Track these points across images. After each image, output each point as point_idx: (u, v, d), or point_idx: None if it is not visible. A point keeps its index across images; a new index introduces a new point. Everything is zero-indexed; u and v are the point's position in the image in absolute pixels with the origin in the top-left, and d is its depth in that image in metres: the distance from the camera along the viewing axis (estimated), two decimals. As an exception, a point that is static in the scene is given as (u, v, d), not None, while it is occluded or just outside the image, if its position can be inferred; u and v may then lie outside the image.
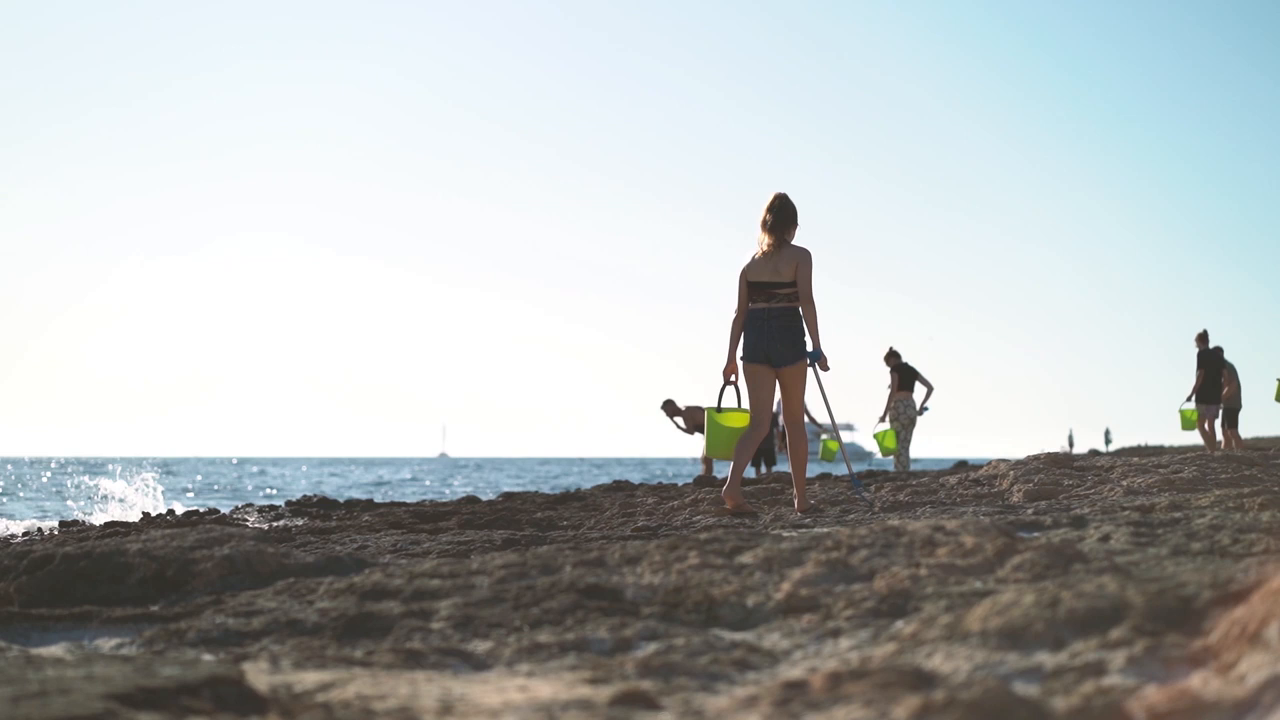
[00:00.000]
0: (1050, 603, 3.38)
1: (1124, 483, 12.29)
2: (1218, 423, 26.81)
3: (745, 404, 11.57)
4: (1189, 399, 26.57)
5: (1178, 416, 26.96)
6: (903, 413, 25.29)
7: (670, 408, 25.61)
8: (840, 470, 24.76)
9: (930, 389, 25.57)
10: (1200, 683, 2.59)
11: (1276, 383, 24.08)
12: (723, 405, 11.89)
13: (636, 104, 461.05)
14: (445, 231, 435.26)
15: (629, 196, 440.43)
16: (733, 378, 11.44)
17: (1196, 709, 2.35)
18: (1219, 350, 26.69)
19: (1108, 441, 63.40)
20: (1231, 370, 26.99)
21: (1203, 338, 26.55)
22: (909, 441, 25.30)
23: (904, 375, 25.38)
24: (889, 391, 25.36)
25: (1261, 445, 35.18)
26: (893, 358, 25.41)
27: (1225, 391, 26.69)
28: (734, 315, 11.24)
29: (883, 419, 25.31)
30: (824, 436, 22.33)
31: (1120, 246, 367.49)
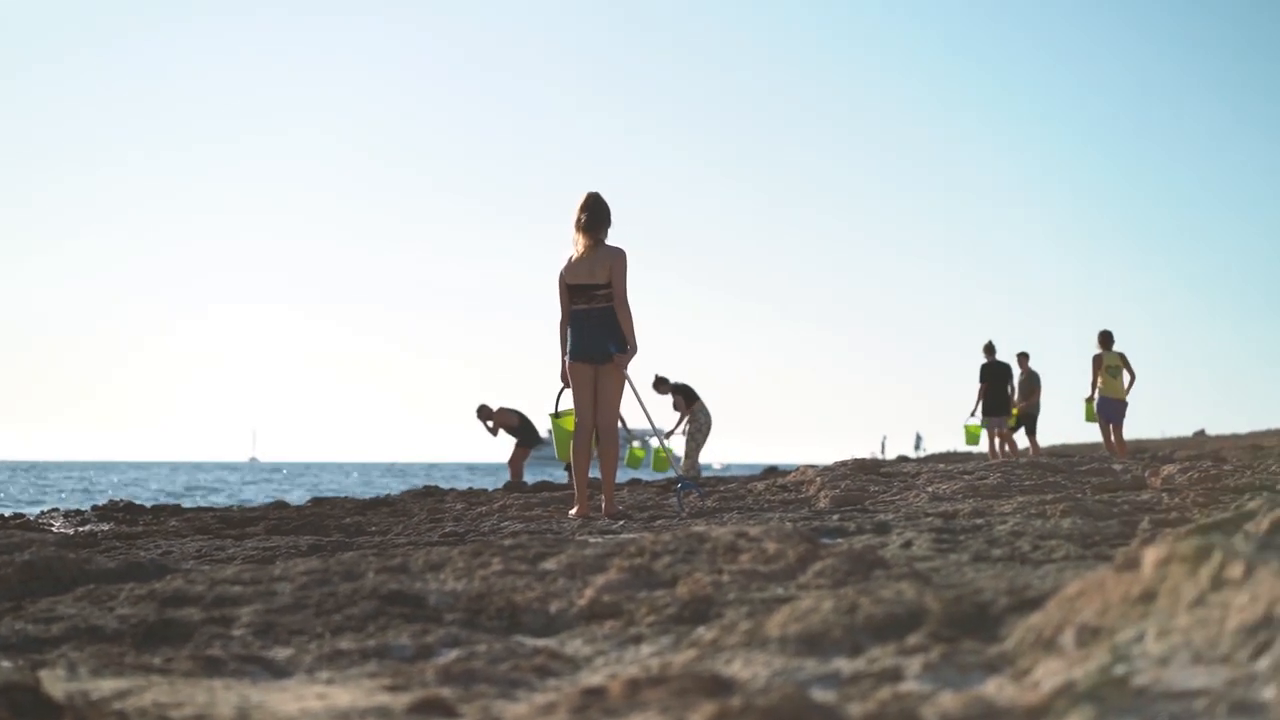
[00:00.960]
0: (849, 609, 3.41)
1: (929, 489, 12.47)
2: (1015, 434, 27.31)
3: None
4: (972, 413, 27.06)
5: (963, 432, 27.50)
6: (706, 423, 25.39)
7: (484, 412, 25.62)
8: (650, 475, 24.92)
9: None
10: (995, 689, 2.62)
11: (1085, 404, 24.54)
12: (561, 409, 11.94)
13: (426, 110, 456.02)
14: (258, 242, 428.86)
15: (426, 204, 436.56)
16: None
17: (990, 715, 2.38)
18: (1018, 361, 27.19)
19: (918, 447, 64.29)
20: (1035, 379, 27.44)
21: (989, 349, 27.04)
22: (700, 449, 25.43)
23: (685, 393, 25.35)
24: (679, 414, 25.27)
25: (1067, 452, 35.92)
26: (663, 384, 25.27)
27: (1030, 399, 27.17)
28: (559, 319, 11.28)
29: (669, 435, 25.28)
30: (634, 443, 22.40)
31: (932, 251, 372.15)
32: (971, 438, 27.18)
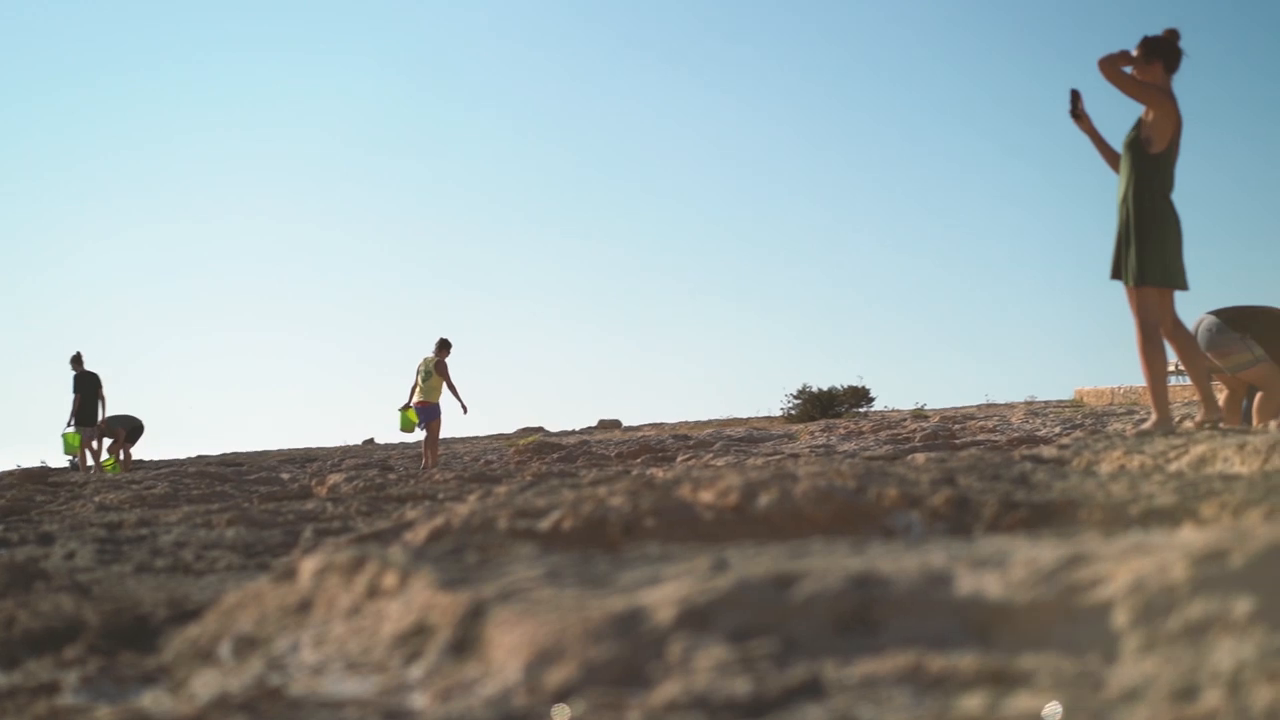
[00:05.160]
0: (7, 622, 3.36)
1: (97, 498, 12.26)
2: (107, 443, 28.22)
3: None
4: (69, 423, 27.45)
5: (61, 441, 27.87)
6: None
7: None
8: None
9: None
10: (152, 701, 2.64)
11: (400, 414, 24.83)
12: None
13: None
14: None
15: None
16: None
17: (139, 728, 2.40)
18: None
19: (74, 465, 62.74)
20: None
21: (77, 360, 27.63)
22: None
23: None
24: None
25: (237, 460, 36.14)
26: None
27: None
28: None
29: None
30: None
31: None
32: (70, 447, 27.52)
